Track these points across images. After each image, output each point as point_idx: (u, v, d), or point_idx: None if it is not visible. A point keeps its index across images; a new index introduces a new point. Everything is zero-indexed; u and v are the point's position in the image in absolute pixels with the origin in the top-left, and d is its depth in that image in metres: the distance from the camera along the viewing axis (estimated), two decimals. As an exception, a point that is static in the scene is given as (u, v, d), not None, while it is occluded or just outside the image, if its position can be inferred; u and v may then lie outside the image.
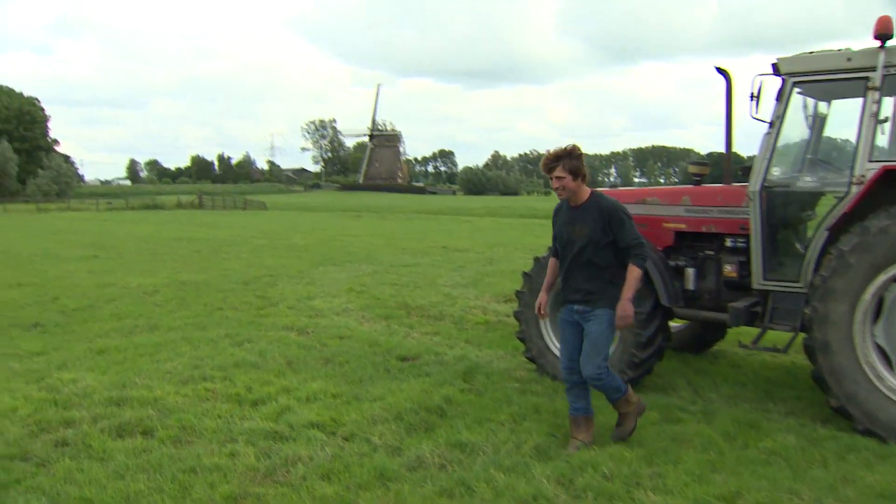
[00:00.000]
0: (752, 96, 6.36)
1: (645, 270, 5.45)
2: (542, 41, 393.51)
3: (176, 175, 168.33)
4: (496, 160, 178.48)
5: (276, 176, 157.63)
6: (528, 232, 29.82)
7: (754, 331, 6.62)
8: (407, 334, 9.05)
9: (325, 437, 5.36)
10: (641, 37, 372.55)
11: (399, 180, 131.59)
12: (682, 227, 7.10)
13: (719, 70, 6.98)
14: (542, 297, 5.64)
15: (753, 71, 6.35)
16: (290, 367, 7.37)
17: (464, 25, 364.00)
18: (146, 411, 5.86)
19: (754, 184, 6.33)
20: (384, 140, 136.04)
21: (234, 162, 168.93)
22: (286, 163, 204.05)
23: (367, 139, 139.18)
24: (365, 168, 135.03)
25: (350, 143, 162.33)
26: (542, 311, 5.64)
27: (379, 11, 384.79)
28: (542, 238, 24.94)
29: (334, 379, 6.92)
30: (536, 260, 7.21)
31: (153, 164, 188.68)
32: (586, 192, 5.26)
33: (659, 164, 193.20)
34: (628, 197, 7.39)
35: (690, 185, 7.35)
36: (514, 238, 26.01)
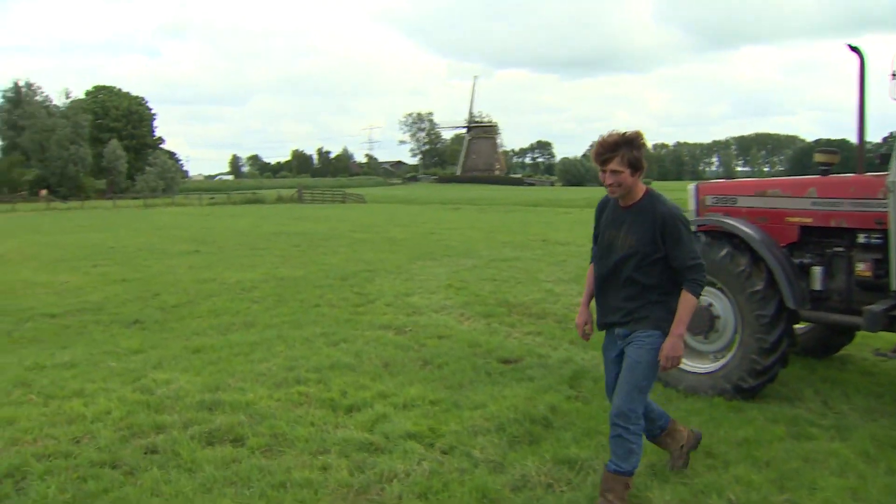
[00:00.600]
0: (893, 75, 5.71)
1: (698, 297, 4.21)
2: (639, 28, 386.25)
3: (277, 169, 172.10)
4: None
5: (374, 169, 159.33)
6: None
7: (885, 336, 5.97)
8: (508, 334, 8.64)
9: (423, 450, 4.99)
10: (742, 20, 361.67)
11: (497, 172, 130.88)
12: (808, 221, 6.42)
13: (852, 48, 6.30)
14: (583, 314, 4.50)
15: (882, 50, 5.71)
16: (387, 369, 7.06)
17: (560, 14, 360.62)
18: (237, 417, 5.62)
19: (895, 173, 5.65)
20: (481, 132, 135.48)
21: (332, 156, 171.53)
22: (384, 156, 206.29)
23: (464, 131, 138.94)
24: (462, 160, 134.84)
25: (447, 135, 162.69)
26: (586, 331, 4.48)
27: (474, 3, 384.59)
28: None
29: (432, 383, 6.57)
30: None
31: (255, 159, 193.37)
32: (641, 189, 4.16)
33: (763, 153, 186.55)
34: (746, 188, 6.79)
35: (817, 175, 6.68)
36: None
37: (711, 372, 6.35)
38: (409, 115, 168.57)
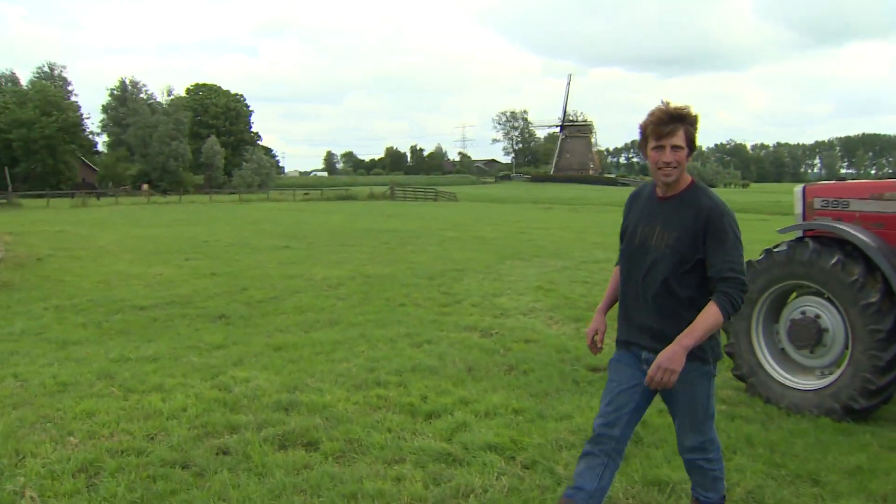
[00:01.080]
0: None
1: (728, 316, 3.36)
2: (739, 24, 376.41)
3: (370, 167, 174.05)
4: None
5: (467, 167, 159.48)
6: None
7: None
8: (599, 339, 8.23)
9: (503, 464, 4.70)
10: (849, 15, 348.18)
11: (591, 171, 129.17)
12: (933, 226, 5.88)
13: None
14: (597, 321, 3.77)
15: None
16: (471, 374, 6.80)
17: (656, 11, 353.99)
18: (313, 420, 5.45)
19: None
20: (575, 130, 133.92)
21: (426, 153, 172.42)
22: (477, 154, 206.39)
23: (558, 130, 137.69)
24: (556, 159, 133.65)
25: (541, 133, 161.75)
26: (595, 341, 3.76)
27: (569, 0, 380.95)
28: (743, 233, 23.28)
29: (517, 391, 6.27)
30: (769, 253, 6.20)
31: (349, 156, 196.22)
32: (686, 179, 3.48)
33: (870, 154, 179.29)
34: (860, 191, 6.24)
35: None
36: (715, 233, 23.71)
37: (818, 389, 5.85)
38: (503, 113, 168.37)
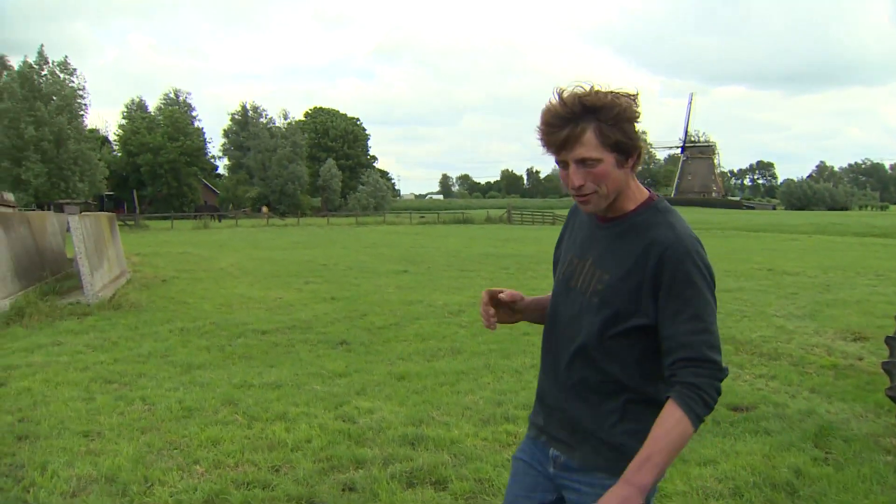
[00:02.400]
0: None
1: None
2: (874, 36, 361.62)
3: (486, 189, 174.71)
4: (822, 171, 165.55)
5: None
6: (868, 253, 26.24)
7: None
8: (737, 375, 7.72)
9: (648, 514, 4.35)
10: None
11: (713, 194, 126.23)
12: None
13: None
14: (506, 295, 2.41)
15: None
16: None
17: (782, 25, 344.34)
18: (441, 456, 5.20)
19: None
20: (697, 152, 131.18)
21: (542, 176, 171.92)
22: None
23: (679, 151, 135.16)
24: (677, 181, 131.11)
25: (661, 155, 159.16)
26: (489, 315, 2.39)
27: (687, 17, 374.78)
28: (887, 261, 21.97)
29: (654, 430, 5.86)
30: None
31: (464, 179, 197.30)
32: (637, 195, 2.25)
33: None
34: None
35: None
36: (853, 261, 22.62)
37: None
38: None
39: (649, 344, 2.14)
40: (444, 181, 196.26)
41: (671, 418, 2.00)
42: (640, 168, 2.22)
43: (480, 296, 2.40)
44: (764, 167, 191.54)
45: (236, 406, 6.52)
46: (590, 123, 2.04)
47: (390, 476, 4.86)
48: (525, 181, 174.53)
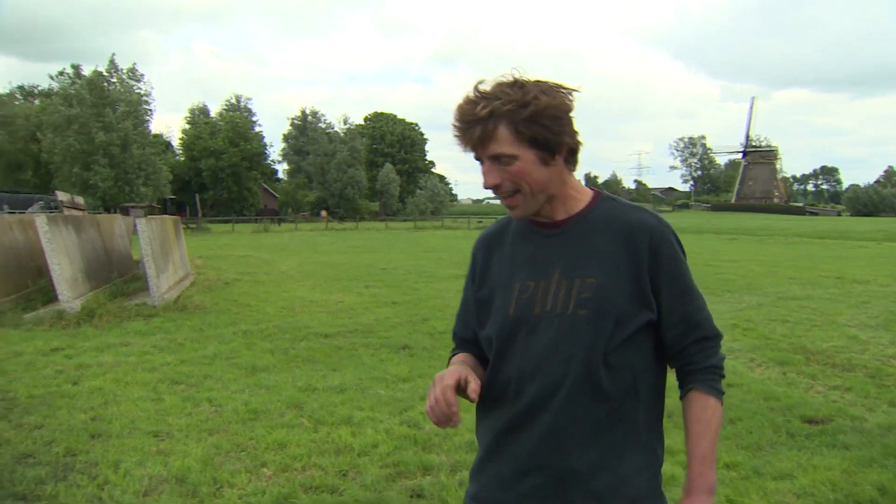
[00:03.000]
0: None
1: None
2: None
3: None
4: (890, 176, 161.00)
5: (643, 195, 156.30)
6: (940, 261, 25.38)
7: None
8: (809, 387, 7.51)
9: (724, 529, 4.23)
10: None
11: (775, 200, 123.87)
12: None
13: None
14: (457, 371, 1.91)
15: None
16: (671, 418, 6.24)
17: (848, 26, 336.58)
18: (508, 464, 5.14)
19: None
20: (759, 157, 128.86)
21: (600, 181, 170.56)
22: (653, 182, 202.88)
23: (740, 156, 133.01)
24: (738, 187, 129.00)
25: (721, 160, 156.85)
26: (470, 395, 1.88)
27: (748, 19, 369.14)
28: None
29: (725, 441, 5.68)
30: None
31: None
32: (582, 193, 2.05)
33: None
34: None
35: None
36: (927, 269, 21.92)
37: None
38: (681, 139, 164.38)
39: (653, 343, 1.98)
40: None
41: (707, 410, 1.95)
42: (577, 167, 2.02)
43: (434, 383, 1.89)
44: (828, 172, 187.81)
45: (301, 409, 6.54)
46: (502, 119, 1.86)
47: (458, 483, 4.80)
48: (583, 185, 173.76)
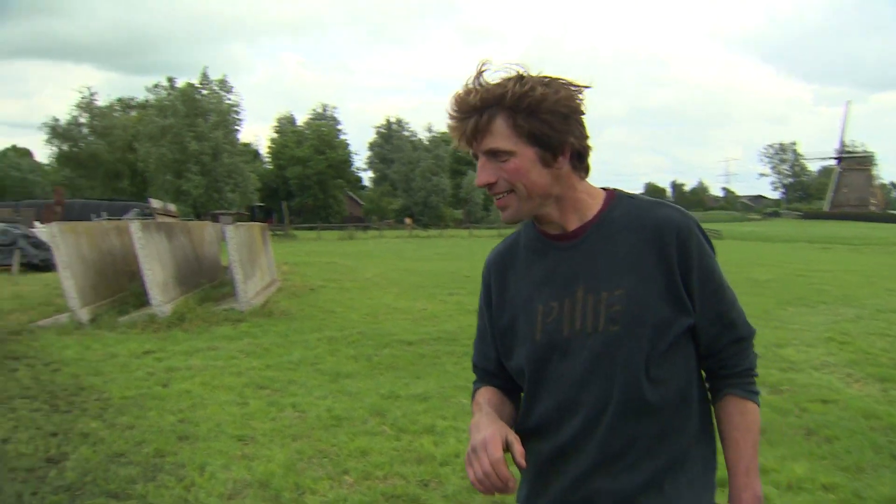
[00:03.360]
0: None
1: None
2: None
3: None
4: None
5: (731, 203, 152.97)
6: None
7: None
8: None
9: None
10: None
11: (872, 208, 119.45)
12: None
13: None
14: (497, 429, 1.71)
15: None
16: (764, 436, 6.05)
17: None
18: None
19: None
20: (854, 163, 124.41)
21: (687, 189, 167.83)
22: (742, 189, 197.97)
23: (833, 162, 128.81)
24: (831, 194, 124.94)
25: (814, 167, 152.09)
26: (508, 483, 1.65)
27: (843, 19, 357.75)
28: None
29: (822, 461, 5.45)
30: None
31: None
32: (592, 195, 1.86)
33: None
34: None
35: None
36: None
37: None
38: (771, 145, 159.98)
39: (691, 349, 1.83)
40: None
41: (747, 415, 1.86)
42: (588, 173, 1.85)
43: (476, 450, 1.69)
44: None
45: (384, 417, 6.53)
46: (498, 110, 1.72)
47: (542, 496, 4.71)
48: (670, 194, 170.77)
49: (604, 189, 1.89)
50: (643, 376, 1.74)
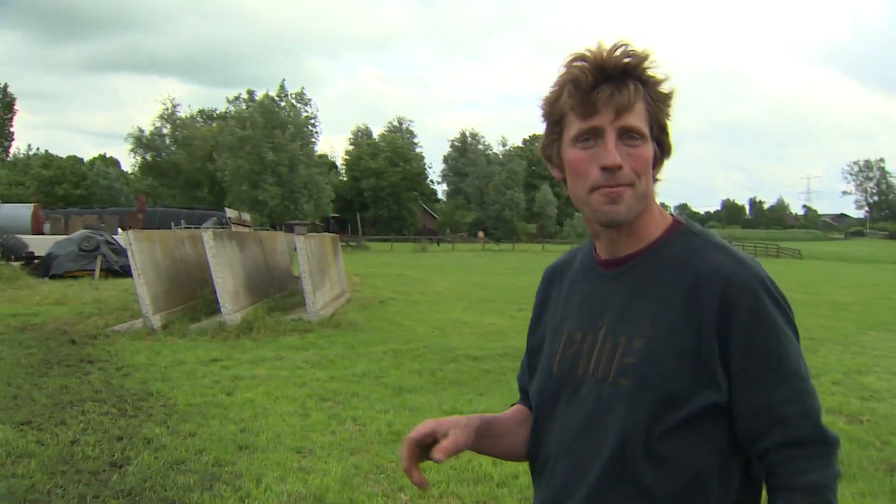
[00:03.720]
0: None
1: None
2: None
3: (705, 219, 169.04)
4: None
5: (812, 222, 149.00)
6: None
7: None
8: None
9: None
10: None
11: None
12: None
13: None
14: (441, 427, 1.60)
15: None
16: (842, 469, 5.78)
17: None
18: None
19: None
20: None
21: (766, 206, 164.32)
22: (823, 207, 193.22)
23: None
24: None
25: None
26: (436, 453, 1.54)
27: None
28: None
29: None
30: None
31: (683, 208, 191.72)
32: (660, 217, 1.57)
33: None
34: None
35: None
36: None
37: None
38: (855, 162, 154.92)
39: (721, 433, 1.43)
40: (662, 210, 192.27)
41: None
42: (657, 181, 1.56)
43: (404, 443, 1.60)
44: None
45: (445, 433, 6.44)
46: (642, 86, 1.44)
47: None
48: (747, 211, 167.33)
49: (673, 216, 1.60)
50: (640, 449, 1.41)
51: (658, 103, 1.46)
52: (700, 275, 1.44)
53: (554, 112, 1.50)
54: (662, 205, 1.61)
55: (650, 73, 1.44)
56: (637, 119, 1.43)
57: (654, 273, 1.50)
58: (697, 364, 1.40)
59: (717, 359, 1.40)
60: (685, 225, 1.56)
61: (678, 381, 1.40)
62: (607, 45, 1.43)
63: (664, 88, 1.47)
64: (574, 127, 1.46)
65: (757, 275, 1.43)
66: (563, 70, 1.47)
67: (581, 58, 1.44)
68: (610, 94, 1.40)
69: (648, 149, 1.45)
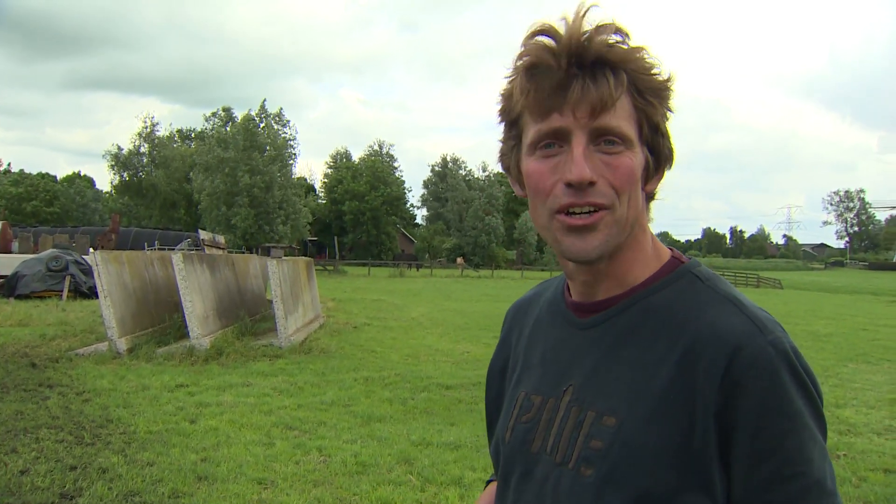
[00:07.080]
0: None
1: None
2: None
3: (686, 248, 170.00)
4: None
5: (792, 252, 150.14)
6: None
7: None
8: None
9: None
10: None
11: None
12: None
13: None
14: None
15: None
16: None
17: None
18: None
19: None
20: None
21: (747, 236, 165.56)
22: (804, 237, 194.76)
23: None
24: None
25: (881, 216, 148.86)
26: None
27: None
28: None
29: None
30: None
31: (664, 236, 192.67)
32: (652, 250, 1.20)
33: None
34: None
35: None
36: None
37: None
38: (836, 193, 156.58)
39: None
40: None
41: None
42: (654, 201, 1.22)
43: None
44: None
45: (411, 465, 6.25)
46: (625, 77, 1.08)
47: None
48: (728, 240, 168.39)
49: (672, 252, 1.24)
50: None
51: (649, 96, 1.11)
52: (699, 337, 1.08)
53: (511, 109, 1.15)
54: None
55: (638, 56, 1.09)
56: (618, 118, 1.08)
57: (638, 328, 1.14)
58: (686, 458, 1.04)
59: (715, 454, 1.04)
60: (687, 265, 1.19)
61: (657, 479, 1.04)
62: (584, 19, 1.08)
63: (658, 75, 1.12)
64: (532, 129, 1.12)
65: (777, 344, 1.06)
66: (521, 49, 1.12)
67: (545, 30, 1.09)
68: (582, 86, 1.06)
69: (634, 157, 1.10)
